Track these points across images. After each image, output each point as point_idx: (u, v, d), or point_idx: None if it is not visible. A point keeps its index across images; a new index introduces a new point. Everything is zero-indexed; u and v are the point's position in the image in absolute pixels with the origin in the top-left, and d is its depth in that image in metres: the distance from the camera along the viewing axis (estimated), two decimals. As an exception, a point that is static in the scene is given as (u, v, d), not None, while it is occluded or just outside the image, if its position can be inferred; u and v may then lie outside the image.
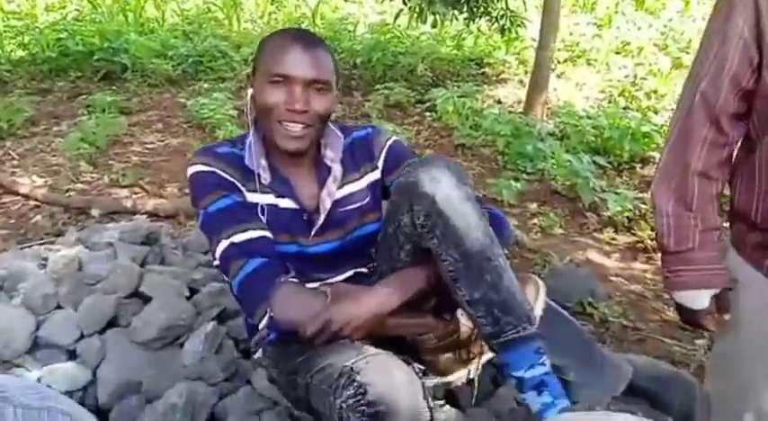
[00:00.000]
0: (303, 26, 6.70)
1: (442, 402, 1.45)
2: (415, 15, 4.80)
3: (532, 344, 1.15)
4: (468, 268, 1.14)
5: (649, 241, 3.16)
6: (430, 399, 1.09)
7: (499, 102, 5.25)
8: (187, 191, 3.52)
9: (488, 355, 1.29)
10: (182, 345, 1.69)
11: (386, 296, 1.20)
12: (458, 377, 1.29)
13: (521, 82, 5.69)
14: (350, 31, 6.48)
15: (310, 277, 1.34)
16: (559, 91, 5.35)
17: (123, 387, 1.53)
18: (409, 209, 1.18)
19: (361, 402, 1.00)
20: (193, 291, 1.88)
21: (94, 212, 3.11)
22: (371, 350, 1.12)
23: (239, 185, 1.29)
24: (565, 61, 6.03)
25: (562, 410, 1.11)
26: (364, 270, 1.41)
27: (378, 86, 5.23)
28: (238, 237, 1.24)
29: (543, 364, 1.15)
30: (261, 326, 1.21)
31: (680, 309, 1.37)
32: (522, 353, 1.14)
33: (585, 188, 3.45)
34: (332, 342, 1.16)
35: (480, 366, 1.29)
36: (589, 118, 4.35)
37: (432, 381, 1.18)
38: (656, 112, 4.84)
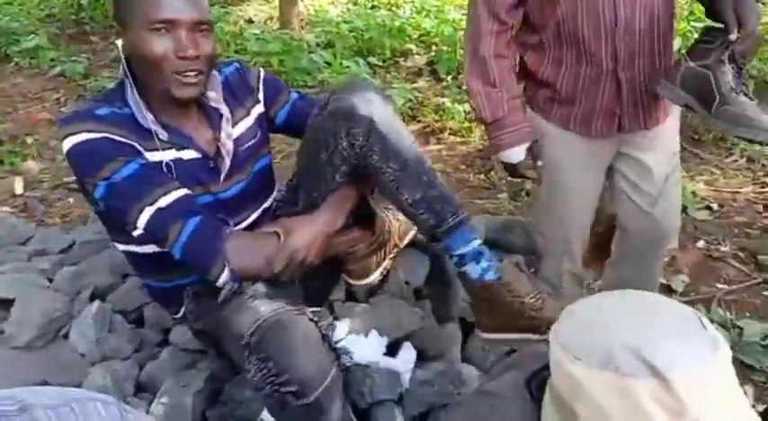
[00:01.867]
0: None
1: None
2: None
3: (468, 224, 1.31)
4: (407, 175, 1.26)
5: (435, 123, 3.53)
6: (332, 340, 1.22)
7: (251, 21, 5.17)
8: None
9: (402, 244, 1.47)
10: (66, 336, 1.59)
11: (332, 216, 1.29)
12: (376, 276, 1.46)
13: (264, -2, 5.63)
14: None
15: (225, 223, 1.34)
16: (306, 0, 5.42)
17: (30, 393, 1.42)
18: (347, 133, 1.23)
19: (268, 376, 1.10)
20: (49, 280, 1.74)
21: None
22: (265, 311, 1.19)
23: (138, 146, 1.21)
24: (299, -30, 6.07)
25: (497, 269, 1.32)
26: (267, 204, 1.45)
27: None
28: (164, 201, 1.18)
29: (477, 238, 1.32)
30: (222, 281, 1.20)
31: (505, 167, 1.69)
32: (461, 233, 1.30)
33: (367, 88, 3.68)
34: (300, 272, 1.24)
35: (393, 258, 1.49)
36: (345, 22, 4.53)
37: (326, 320, 1.27)
38: (398, 7, 5.18)
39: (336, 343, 1.22)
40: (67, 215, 2.75)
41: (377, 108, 1.24)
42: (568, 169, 1.69)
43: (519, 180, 2.12)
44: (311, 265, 1.25)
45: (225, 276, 1.19)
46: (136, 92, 1.23)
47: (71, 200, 2.87)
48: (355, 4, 5.38)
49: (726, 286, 2.25)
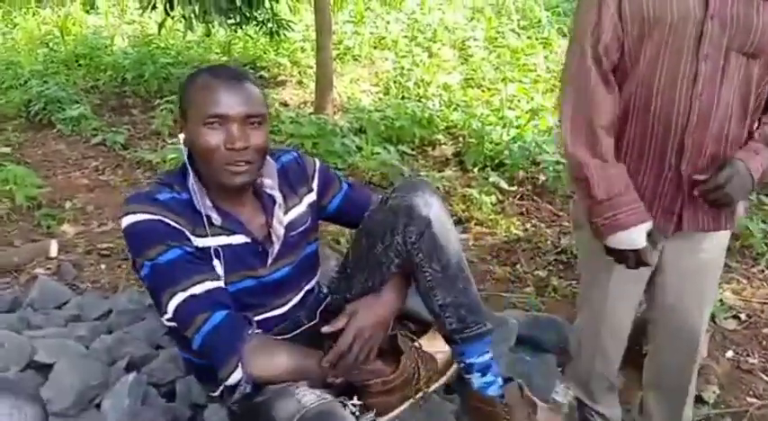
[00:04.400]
0: (52, 45, 6.10)
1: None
2: (183, 23, 4.70)
3: (486, 337, 1.37)
4: (445, 278, 1.32)
5: (462, 213, 3.59)
6: None
7: (285, 104, 5.38)
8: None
9: (430, 390, 1.43)
10: (98, 406, 1.58)
11: (395, 299, 1.38)
12: (394, 415, 1.40)
13: (299, 83, 5.88)
14: (108, 46, 6.05)
15: (269, 305, 1.39)
16: (339, 88, 5.64)
17: (62, 463, 1.41)
18: (403, 229, 1.31)
19: None
20: (85, 347, 1.76)
21: None
22: (309, 399, 1.21)
23: (187, 233, 1.27)
24: (334, 59, 6.35)
25: (500, 385, 1.38)
26: (309, 287, 1.49)
27: (157, 102, 5.02)
28: (197, 289, 1.23)
29: (489, 352, 1.38)
30: (231, 381, 1.24)
31: (619, 255, 1.48)
32: (477, 344, 1.36)
33: (397, 175, 3.78)
34: (364, 355, 1.29)
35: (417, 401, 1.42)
36: (377, 111, 4.71)
37: (368, 416, 1.30)
38: (427, 99, 5.38)
39: None
40: (98, 281, 2.78)
41: (435, 211, 1.32)
42: (611, 265, 1.69)
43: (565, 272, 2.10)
44: (375, 345, 1.30)
45: (235, 377, 1.23)
46: (196, 179, 1.30)
47: (103, 266, 2.91)
48: (386, 93, 5.60)
49: (756, 400, 2.21)
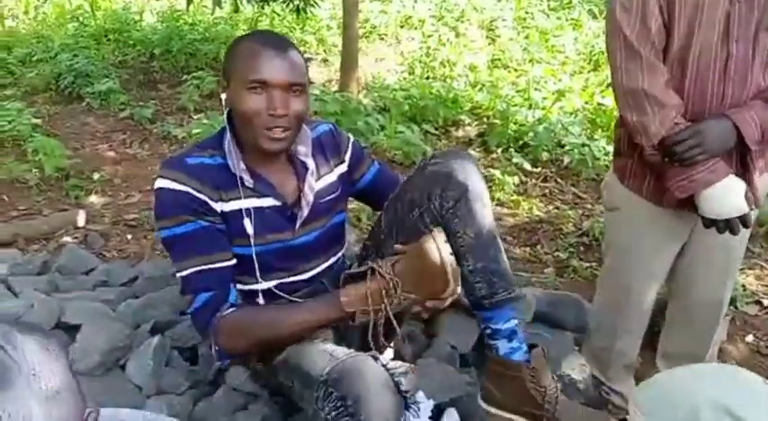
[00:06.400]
0: (82, 19, 6.16)
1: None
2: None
3: (514, 303, 1.38)
4: (477, 245, 1.33)
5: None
6: (402, 386, 1.23)
7: (310, 82, 5.38)
8: (14, 213, 3.21)
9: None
10: (123, 367, 1.63)
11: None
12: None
13: (324, 61, 5.88)
14: (137, 21, 6.10)
15: (295, 269, 1.42)
16: (363, 66, 5.63)
17: (88, 419, 1.46)
18: (440, 194, 1.33)
19: (344, 414, 1.13)
20: (112, 311, 1.80)
21: None
22: (341, 353, 1.23)
23: (211, 202, 1.31)
24: (360, 37, 6.33)
25: (524, 352, 1.38)
26: (333, 260, 1.52)
27: (184, 77, 5.06)
28: (196, 268, 1.31)
29: (515, 318, 1.39)
30: (215, 355, 1.35)
31: (727, 224, 1.45)
32: (505, 310, 1.37)
33: (419, 155, 3.78)
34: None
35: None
36: (402, 90, 4.70)
37: (399, 369, 1.27)
38: (452, 79, 5.35)
39: (407, 392, 1.23)
40: (124, 250, 2.85)
41: (472, 179, 1.34)
42: (646, 243, 1.69)
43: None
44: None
45: (214, 353, 1.34)
46: (233, 140, 1.33)
47: (129, 236, 2.97)
48: (411, 73, 5.58)
49: (775, 384, 2.20)
